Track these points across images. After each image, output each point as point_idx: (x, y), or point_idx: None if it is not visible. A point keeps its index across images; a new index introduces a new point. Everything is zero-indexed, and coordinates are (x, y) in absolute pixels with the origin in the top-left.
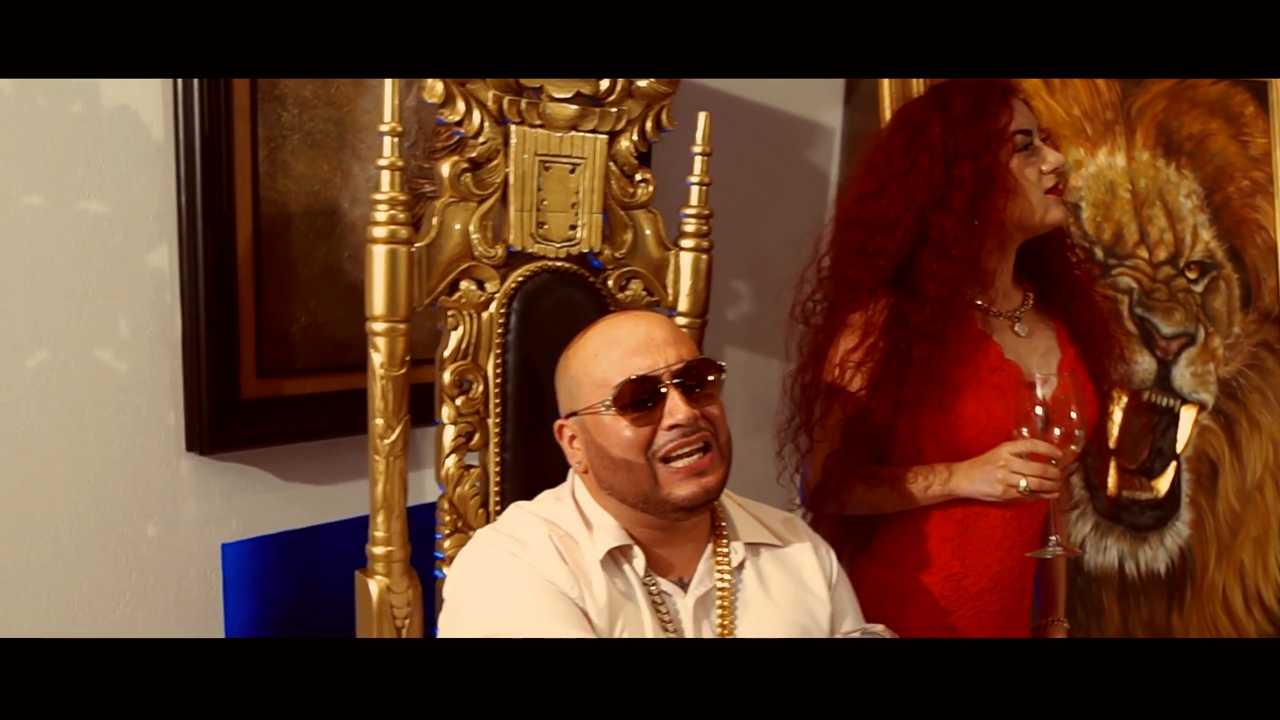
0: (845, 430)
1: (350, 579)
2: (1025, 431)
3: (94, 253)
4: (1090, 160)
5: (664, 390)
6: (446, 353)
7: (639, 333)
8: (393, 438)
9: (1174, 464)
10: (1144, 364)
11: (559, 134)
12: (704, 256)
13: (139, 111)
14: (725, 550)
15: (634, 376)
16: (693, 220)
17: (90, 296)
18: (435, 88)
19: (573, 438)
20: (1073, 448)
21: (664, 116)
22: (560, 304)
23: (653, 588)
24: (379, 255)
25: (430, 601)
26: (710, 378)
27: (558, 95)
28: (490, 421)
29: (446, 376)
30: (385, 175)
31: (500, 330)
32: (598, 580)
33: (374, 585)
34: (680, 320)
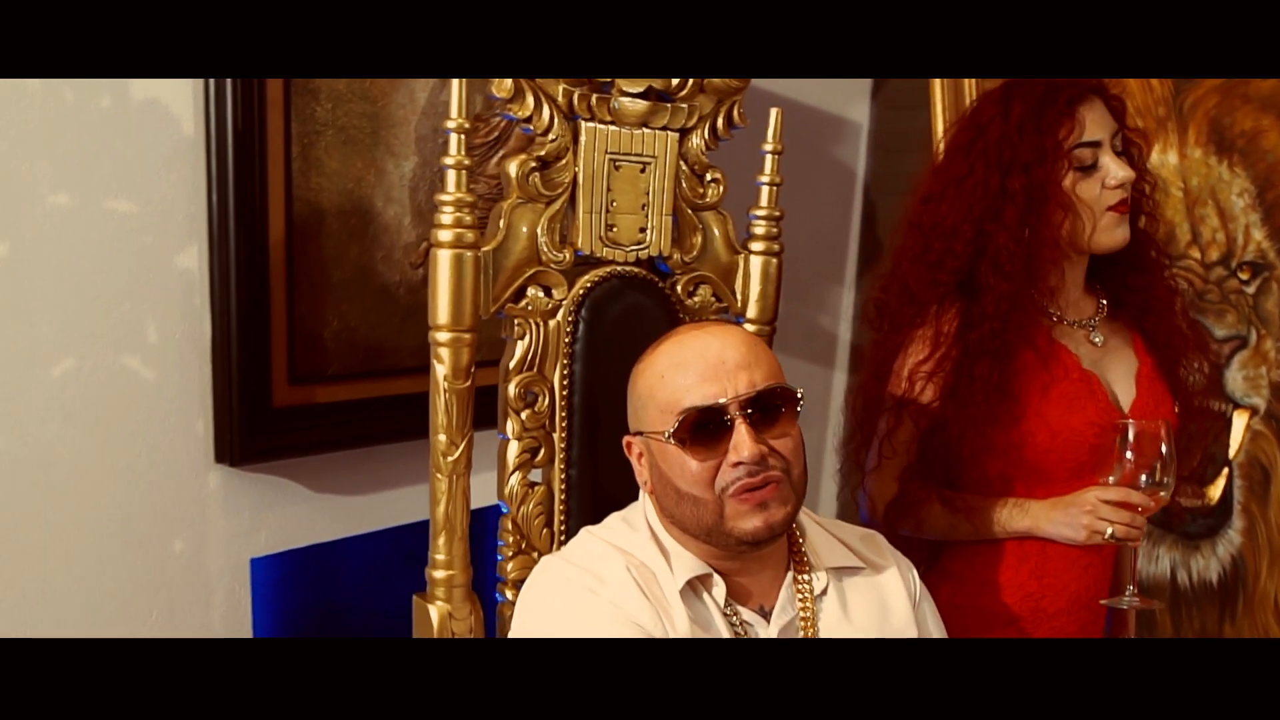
0: (921, 444)
1: (384, 593)
2: (1112, 479)
3: (122, 254)
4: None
5: (730, 421)
6: (512, 364)
7: (710, 354)
8: (456, 455)
9: (1225, 470)
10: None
11: (629, 131)
12: (774, 260)
13: (169, 106)
14: (806, 577)
15: (699, 406)
16: (763, 222)
17: (117, 300)
18: (504, 83)
19: (640, 454)
20: (1162, 494)
21: (735, 113)
22: (629, 311)
23: (734, 618)
24: (444, 260)
25: (492, 628)
26: (783, 407)
27: (629, 90)
28: (556, 436)
29: (511, 389)
30: (451, 174)
31: (568, 339)
32: (679, 613)
33: (434, 611)
34: (748, 328)
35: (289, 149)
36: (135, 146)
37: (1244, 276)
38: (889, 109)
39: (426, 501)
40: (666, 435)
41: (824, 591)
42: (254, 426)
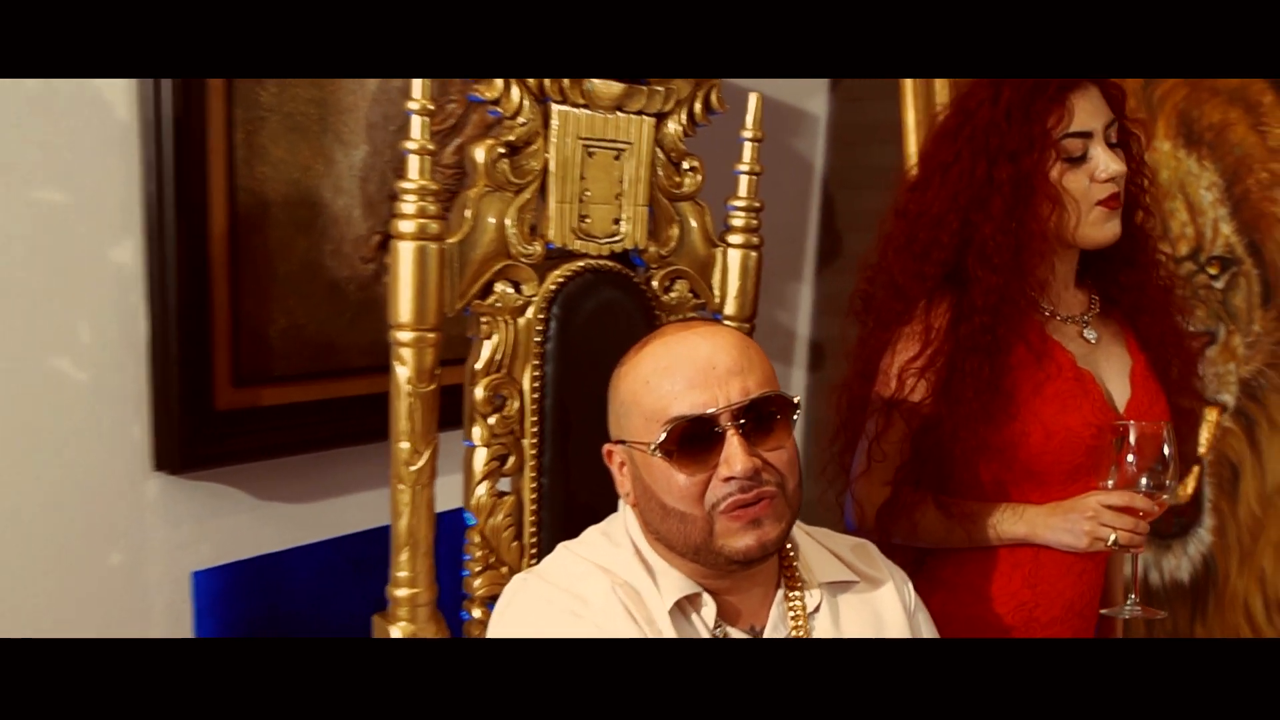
0: (913, 446)
1: (336, 606)
2: (1111, 482)
3: (51, 248)
4: None
5: (721, 432)
6: (479, 365)
7: (699, 358)
8: (420, 464)
9: (1196, 468)
10: None
11: (603, 115)
12: (753, 254)
13: (101, 89)
14: (798, 594)
15: (687, 416)
16: (741, 214)
17: (46, 297)
18: None
19: (622, 464)
20: (1165, 498)
21: (714, 97)
22: (603, 308)
23: (724, 639)
24: (406, 253)
25: None
26: (779, 415)
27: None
28: (526, 442)
29: (479, 392)
30: (414, 160)
31: (539, 338)
32: (667, 634)
33: (397, 633)
34: (728, 323)
35: (231, 136)
36: (64, 132)
37: (1213, 271)
38: (848, 100)
39: (380, 509)
40: (652, 447)
41: (817, 609)
42: (195, 431)
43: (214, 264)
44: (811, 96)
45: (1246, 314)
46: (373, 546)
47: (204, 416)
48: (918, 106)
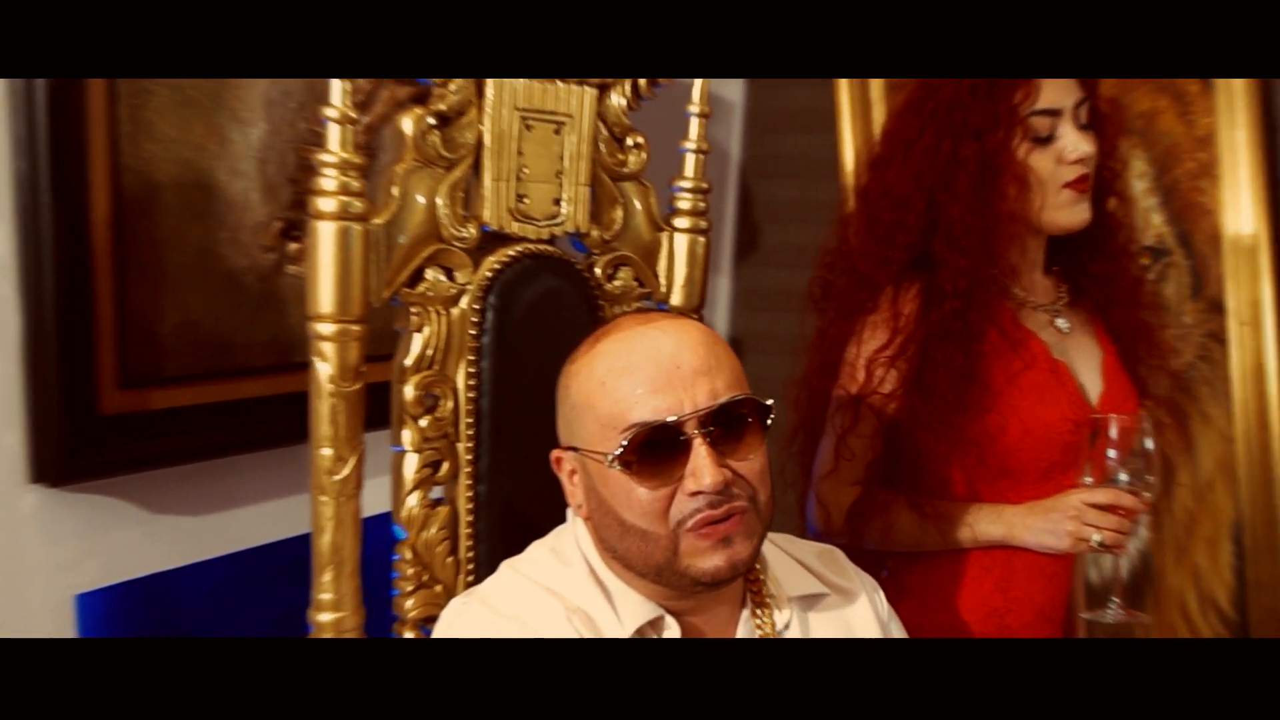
0: (885, 440)
1: (237, 628)
2: (1089, 479)
3: None
4: None
5: (687, 441)
6: (408, 361)
7: (662, 357)
8: (345, 472)
9: None
10: None
11: (542, 85)
12: (701, 239)
13: None
14: (765, 611)
15: (649, 423)
16: (689, 196)
17: None
18: None
19: (573, 472)
20: (1147, 495)
21: None
22: (545, 297)
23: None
24: (327, 235)
25: None
26: (750, 421)
27: None
28: (461, 447)
29: (409, 391)
30: (334, 130)
31: (474, 331)
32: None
33: None
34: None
35: (113, 110)
36: None
37: (1144, 262)
38: (763, 86)
39: (284, 520)
40: (609, 458)
41: (786, 626)
42: (77, 439)
43: (96, 253)
44: (725, 82)
45: (1177, 305)
46: (275, 560)
47: (87, 422)
48: (852, 94)
